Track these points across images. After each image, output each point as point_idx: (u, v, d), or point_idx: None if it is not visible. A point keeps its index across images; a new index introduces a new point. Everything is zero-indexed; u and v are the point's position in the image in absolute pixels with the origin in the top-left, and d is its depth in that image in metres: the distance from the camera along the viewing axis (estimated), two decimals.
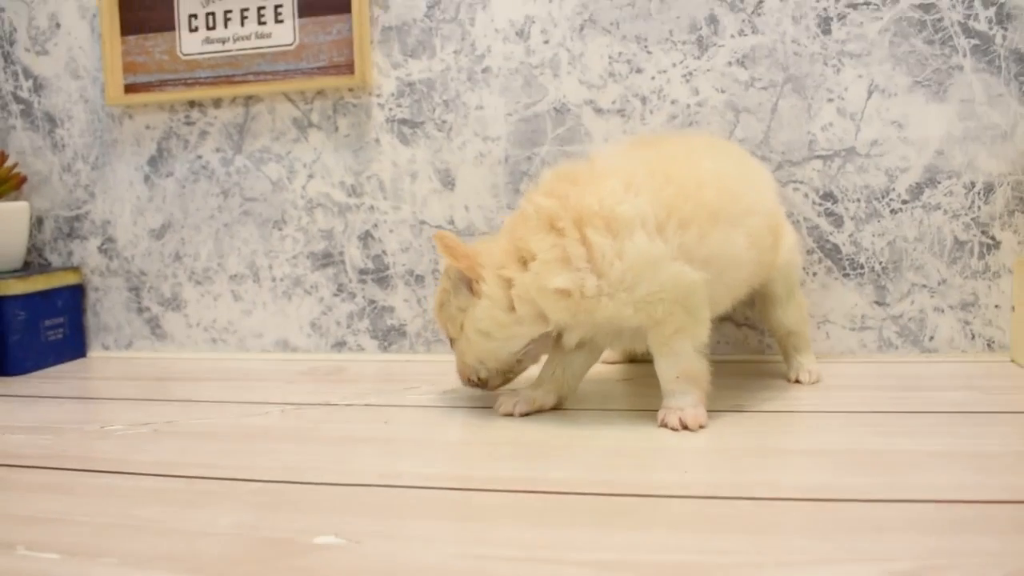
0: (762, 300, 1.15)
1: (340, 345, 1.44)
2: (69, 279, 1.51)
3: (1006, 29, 1.19)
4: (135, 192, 1.50)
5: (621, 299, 0.91)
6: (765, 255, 1.05)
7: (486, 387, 1.06)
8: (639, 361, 1.28)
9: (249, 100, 1.43)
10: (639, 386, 1.16)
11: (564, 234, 0.92)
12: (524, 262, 0.95)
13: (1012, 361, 1.20)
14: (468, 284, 1.00)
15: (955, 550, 0.62)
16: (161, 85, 1.43)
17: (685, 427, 0.93)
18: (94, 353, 1.55)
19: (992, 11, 1.19)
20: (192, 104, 1.45)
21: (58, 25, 1.49)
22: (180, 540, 0.69)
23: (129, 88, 1.45)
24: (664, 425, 0.95)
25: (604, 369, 1.23)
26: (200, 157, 1.46)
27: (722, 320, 0.96)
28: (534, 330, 0.98)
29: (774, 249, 1.08)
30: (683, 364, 0.95)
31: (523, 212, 0.98)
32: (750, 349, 1.31)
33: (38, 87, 1.52)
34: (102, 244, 1.52)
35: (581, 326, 0.97)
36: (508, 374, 1.06)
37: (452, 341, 1.06)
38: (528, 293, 0.94)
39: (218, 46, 1.40)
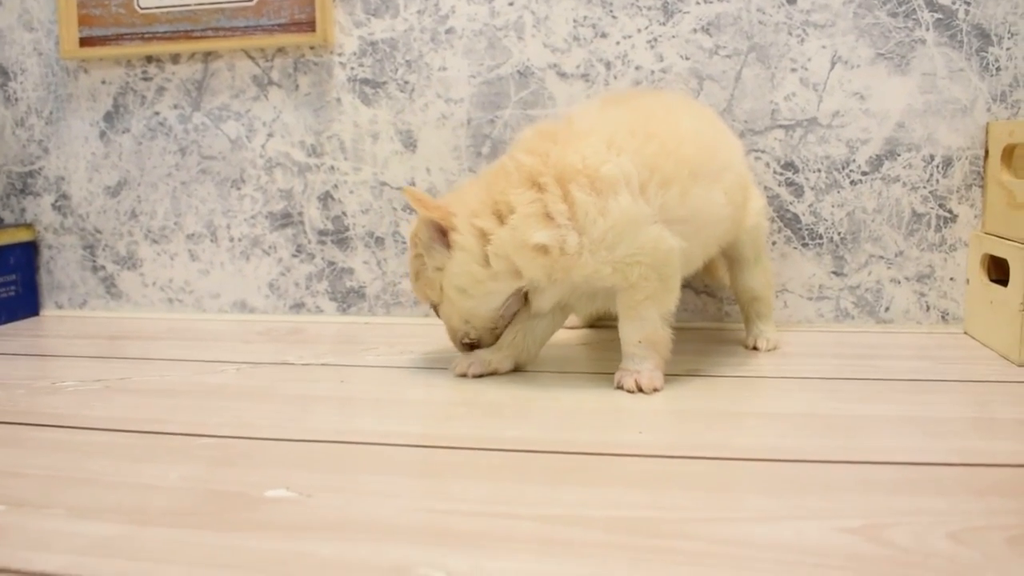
0: (730, 263, 1.16)
1: (298, 306, 1.43)
2: (22, 236, 1.48)
3: (968, 4, 1.19)
4: (90, 148, 1.47)
5: (601, 257, 0.91)
6: (737, 212, 1.06)
7: (480, 346, 1.05)
8: (599, 326, 1.28)
9: (208, 56, 1.40)
10: (598, 350, 1.16)
11: (546, 190, 0.92)
12: (500, 216, 0.94)
13: (965, 333, 1.22)
14: (441, 239, 0.98)
15: (902, 509, 0.63)
16: (117, 39, 1.40)
17: (640, 389, 0.94)
18: (47, 312, 1.53)
19: None
20: (149, 59, 1.43)
21: None
22: (129, 492, 0.69)
23: (84, 41, 1.42)
24: (620, 387, 0.95)
25: (564, 334, 1.23)
26: (158, 114, 1.44)
27: (682, 287, 0.96)
28: (509, 286, 0.97)
29: (744, 207, 1.08)
30: (647, 330, 0.96)
31: (502, 167, 0.97)
32: (709, 316, 1.31)
33: None
34: (56, 201, 1.50)
35: (555, 286, 0.96)
36: (496, 330, 1.04)
37: (436, 309, 1.05)
38: (504, 248, 0.93)
39: (177, 0, 1.38)
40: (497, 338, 1.05)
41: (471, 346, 1.05)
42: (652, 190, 0.92)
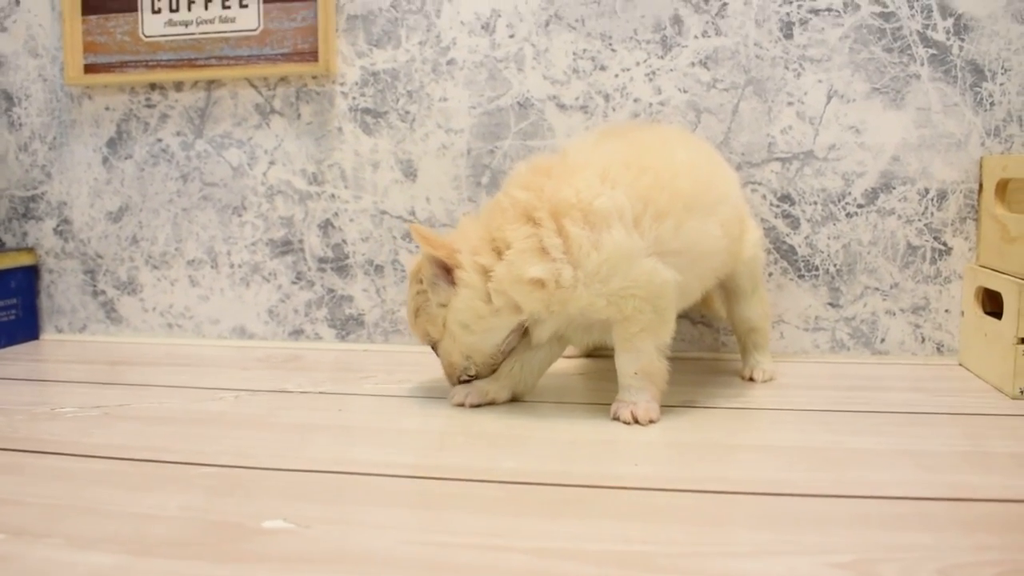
0: (727, 294, 1.16)
1: (297, 333, 1.44)
2: (23, 260, 1.49)
3: (963, 40, 1.21)
4: (93, 174, 1.48)
5: (595, 290, 0.92)
6: (734, 244, 1.07)
7: (472, 381, 1.05)
8: (596, 356, 1.29)
9: (211, 84, 1.42)
10: (595, 380, 1.17)
11: (540, 224, 0.93)
12: (498, 252, 0.95)
13: (960, 365, 1.23)
14: (446, 277, 0.99)
15: (893, 544, 0.63)
16: (122, 66, 1.42)
17: (636, 421, 0.94)
18: (47, 336, 1.53)
19: (950, 22, 1.21)
20: (153, 87, 1.44)
21: (17, 2, 1.47)
22: (128, 522, 0.69)
23: (89, 68, 1.43)
24: (616, 418, 0.96)
25: (561, 363, 1.23)
26: (160, 140, 1.45)
27: (679, 317, 0.97)
28: (511, 321, 0.98)
29: (741, 239, 1.09)
30: (643, 361, 0.96)
31: (498, 204, 0.98)
32: (705, 346, 1.32)
33: None
34: (58, 225, 1.51)
35: (554, 318, 0.97)
36: (494, 365, 1.05)
37: (435, 345, 1.05)
38: (502, 284, 0.94)
39: (181, 28, 1.39)
40: (494, 371, 1.05)
41: (467, 382, 1.05)
42: (646, 223, 0.93)
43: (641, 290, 0.93)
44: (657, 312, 0.95)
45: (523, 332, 1.02)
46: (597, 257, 0.91)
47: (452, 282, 0.98)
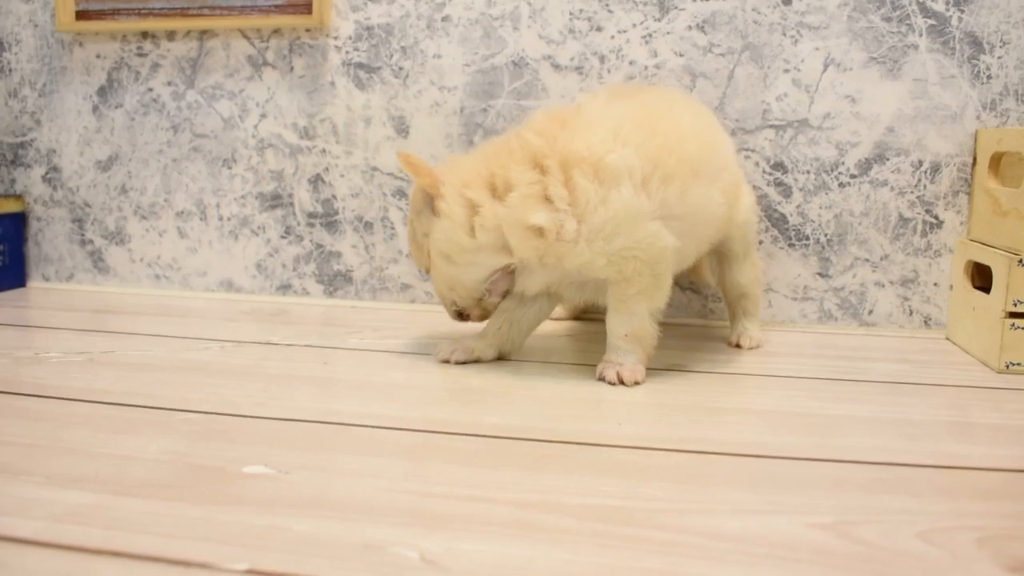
0: (719, 259, 1.16)
1: (285, 288, 1.43)
2: (11, 207, 1.48)
3: (962, 11, 1.20)
4: (82, 122, 1.47)
5: (597, 248, 0.91)
6: (731, 210, 1.07)
7: (469, 319, 1.05)
8: (584, 319, 1.29)
9: (204, 35, 1.40)
10: (582, 341, 1.17)
11: (548, 172, 0.92)
12: (494, 190, 0.94)
13: (947, 339, 1.23)
14: (431, 205, 0.98)
15: (873, 507, 0.63)
16: (114, 14, 1.40)
17: (621, 382, 0.94)
18: (34, 283, 1.53)
19: None
20: (145, 35, 1.42)
21: None
22: (107, 463, 0.69)
23: (81, 15, 1.41)
24: (601, 378, 0.96)
25: (549, 324, 1.23)
26: (151, 90, 1.43)
27: None
28: (495, 259, 0.97)
29: (736, 205, 1.09)
30: (635, 324, 0.96)
31: (506, 143, 0.97)
32: (694, 313, 1.32)
33: None
34: (46, 173, 1.49)
35: (546, 270, 0.96)
36: (483, 304, 1.04)
37: (429, 273, 1.05)
38: (493, 222, 0.93)
39: None
40: (486, 313, 1.05)
41: (462, 316, 1.05)
42: (654, 185, 0.92)
43: (643, 252, 0.92)
44: (655, 276, 0.94)
45: (512, 278, 1.01)
46: (604, 213, 0.90)
47: (434, 211, 0.97)
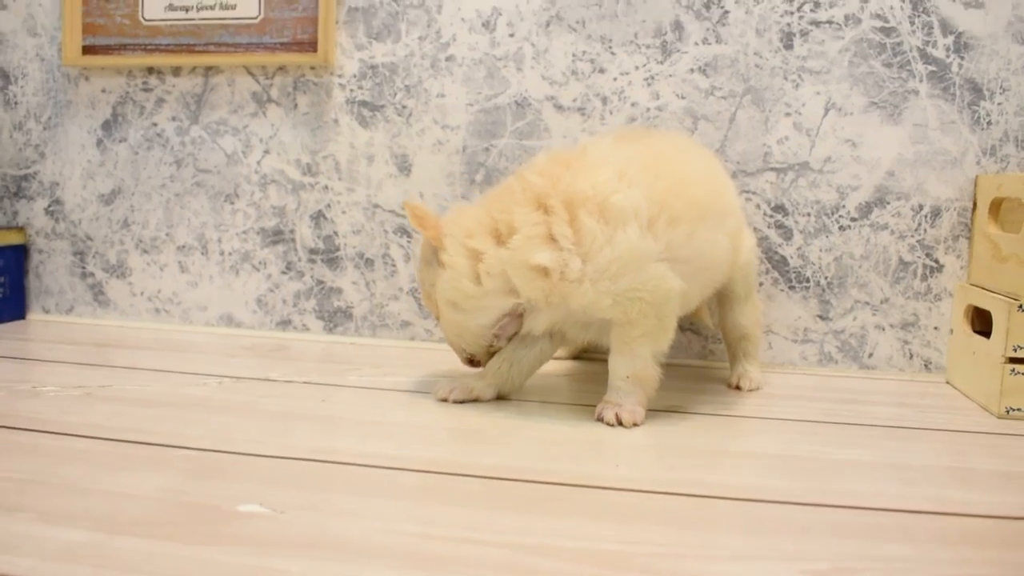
0: (720, 301, 1.16)
1: (285, 323, 1.43)
2: (12, 239, 1.48)
3: (963, 58, 1.21)
4: (86, 155, 1.47)
5: (602, 288, 0.91)
6: (734, 253, 1.07)
7: (480, 364, 1.06)
8: (584, 359, 1.29)
9: (209, 71, 1.41)
10: (581, 382, 1.16)
11: (552, 212, 0.92)
12: (499, 235, 0.94)
13: (947, 383, 1.22)
14: (437, 256, 0.99)
15: (870, 554, 0.63)
16: (120, 49, 1.41)
17: (620, 423, 0.94)
18: (34, 316, 1.53)
19: (951, 39, 1.21)
20: (151, 71, 1.44)
21: None
22: (101, 500, 0.68)
23: (87, 50, 1.43)
24: (600, 419, 0.95)
25: (550, 363, 1.23)
26: (155, 125, 1.44)
27: None
28: (503, 303, 0.97)
29: (739, 247, 1.09)
30: (637, 366, 0.96)
31: (508, 187, 0.98)
32: (693, 354, 1.32)
33: None
34: (49, 206, 1.50)
35: (551, 310, 0.96)
36: (492, 350, 1.04)
37: (439, 321, 1.06)
38: (498, 267, 0.93)
39: (181, 14, 1.39)
40: (493, 355, 1.05)
41: (473, 362, 1.05)
42: (660, 227, 0.92)
43: (649, 294, 0.92)
44: (660, 319, 0.94)
45: (520, 320, 1.00)
46: (609, 253, 0.90)
47: (440, 263, 0.98)
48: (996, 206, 1.17)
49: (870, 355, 1.27)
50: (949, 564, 0.62)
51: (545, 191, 0.93)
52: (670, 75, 1.27)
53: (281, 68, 1.39)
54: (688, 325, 1.31)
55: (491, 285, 0.95)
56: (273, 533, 0.63)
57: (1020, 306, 1.03)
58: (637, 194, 0.92)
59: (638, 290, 0.91)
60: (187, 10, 1.39)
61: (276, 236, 1.41)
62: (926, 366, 1.26)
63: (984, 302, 1.12)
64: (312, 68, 1.37)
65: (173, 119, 1.44)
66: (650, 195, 0.93)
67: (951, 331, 1.23)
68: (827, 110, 1.24)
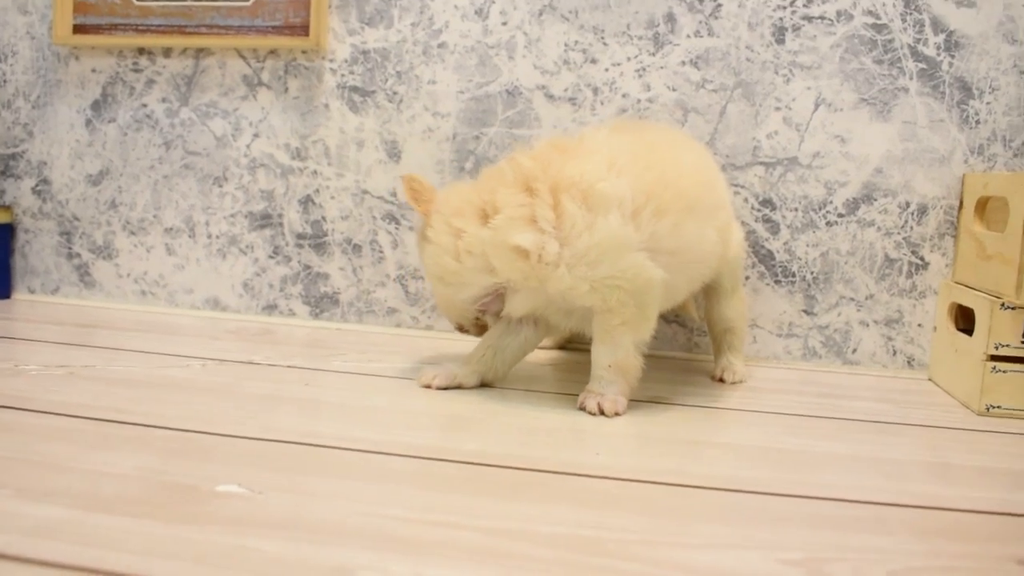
0: (706, 293, 1.16)
1: (271, 308, 1.43)
2: None
3: (953, 56, 1.21)
4: (75, 135, 1.47)
5: (579, 273, 0.91)
6: (724, 248, 1.07)
7: (468, 333, 1.09)
8: (569, 349, 1.29)
9: (200, 52, 1.41)
10: (565, 371, 1.17)
11: (537, 195, 0.92)
12: (484, 215, 0.95)
13: (929, 379, 1.23)
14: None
15: (846, 545, 0.63)
16: (111, 28, 1.41)
17: (602, 412, 0.94)
18: (19, 295, 1.52)
19: (941, 38, 1.21)
20: (141, 51, 1.43)
21: None
22: (80, 478, 0.68)
23: (78, 28, 1.42)
24: (582, 408, 0.96)
25: (534, 352, 1.23)
26: (145, 106, 1.44)
27: None
28: (483, 280, 0.97)
29: (728, 243, 1.10)
30: (619, 355, 0.96)
31: (499, 168, 0.99)
32: (678, 346, 1.32)
33: None
34: (36, 185, 1.49)
35: (531, 293, 0.96)
36: (479, 323, 1.07)
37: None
38: (478, 246, 0.94)
39: None
40: (483, 330, 1.07)
41: (463, 329, 1.09)
42: (645, 217, 0.93)
43: (627, 283, 0.92)
44: (640, 308, 0.94)
45: (503, 298, 1.00)
46: (588, 239, 0.91)
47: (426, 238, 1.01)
48: (982, 205, 1.18)
49: (854, 351, 1.27)
50: (924, 556, 0.62)
51: (534, 174, 0.94)
52: (662, 67, 1.27)
53: (272, 51, 1.38)
54: (674, 317, 1.31)
55: (470, 263, 0.96)
56: (250, 513, 0.63)
57: (1003, 304, 1.03)
58: (623, 183, 0.92)
59: (616, 278, 0.92)
60: None
61: (264, 220, 1.41)
62: (909, 363, 1.26)
63: (968, 300, 1.12)
64: (304, 52, 1.37)
65: (163, 100, 1.43)
66: (637, 185, 0.93)
67: (935, 328, 1.23)
68: (817, 105, 1.24)
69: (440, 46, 1.33)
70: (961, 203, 1.22)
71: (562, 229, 0.91)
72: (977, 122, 1.22)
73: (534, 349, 1.08)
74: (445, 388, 1.02)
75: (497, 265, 0.94)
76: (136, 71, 1.43)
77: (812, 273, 1.27)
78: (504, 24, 1.31)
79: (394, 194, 1.36)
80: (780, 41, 1.24)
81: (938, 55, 1.22)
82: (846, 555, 0.61)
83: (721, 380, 1.15)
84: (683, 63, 1.27)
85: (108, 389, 0.95)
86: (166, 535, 0.59)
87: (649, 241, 0.93)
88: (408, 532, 0.61)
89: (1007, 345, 1.04)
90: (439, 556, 0.58)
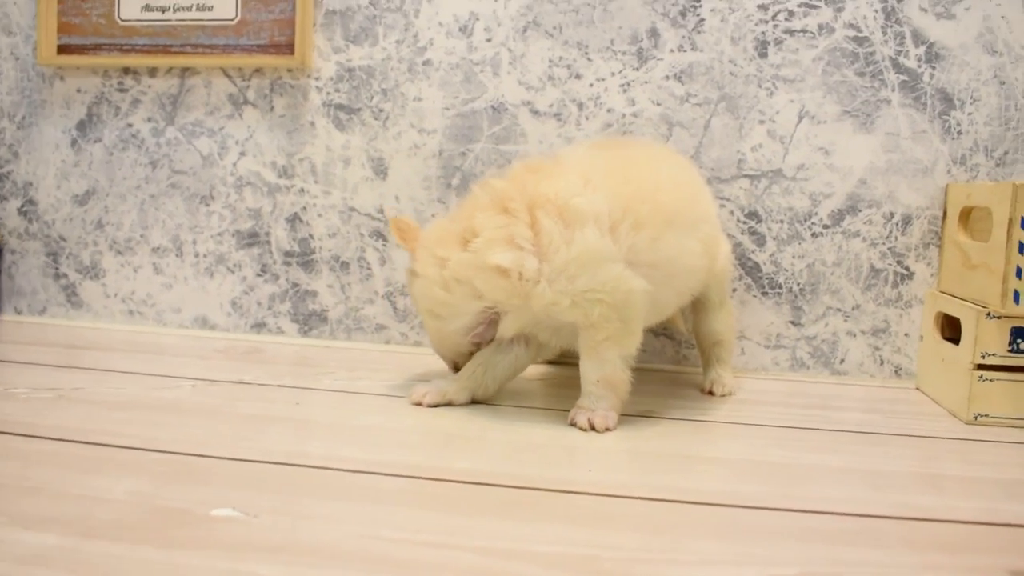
0: (694, 307, 1.17)
1: (260, 326, 1.43)
2: None
3: (934, 68, 1.22)
4: (61, 155, 1.47)
5: (559, 287, 0.92)
6: (710, 261, 1.08)
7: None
8: (559, 363, 1.29)
9: (185, 72, 1.41)
10: (555, 387, 1.17)
11: (514, 215, 0.93)
12: (465, 241, 0.96)
13: (917, 389, 1.24)
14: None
15: (839, 559, 0.64)
16: (96, 49, 1.41)
17: (593, 428, 0.94)
18: (6, 317, 1.51)
19: (922, 50, 1.22)
20: (127, 71, 1.43)
21: None
22: (74, 504, 0.68)
23: (62, 49, 1.42)
24: (573, 424, 0.96)
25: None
26: (131, 125, 1.44)
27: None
28: (472, 306, 0.98)
29: (715, 256, 1.10)
30: (607, 370, 0.96)
31: (473, 195, 1.00)
32: (667, 359, 1.33)
33: None
34: (22, 206, 1.49)
35: (517, 312, 0.97)
36: (469, 352, 1.06)
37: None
38: (462, 271, 0.95)
39: (157, 14, 1.38)
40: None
41: (458, 367, 1.07)
42: (623, 230, 0.93)
43: (608, 296, 0.93)
44: (623, 322, 0.95)
45: (495, 327, 1.01)
46: (566, 254, 0.91)
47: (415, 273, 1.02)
48: (966, 215, 1.19)
49: (841, 361, 1.28)
50: (918, 569, 0.63)
51: (508, 194, 0.95)
52: (646, 81, 1.28)
53: (258, 70, 1.38)
54: (662, 330, 1.32)
55: (458, 290, 0.97)
56: (246, 537, 0.63)
57: (988, 314, 1.04)
58: (599, 198, 0.93)
59: (597, 291, 0.92)
60: (164, 11, 1.38)
61: (251, 238, 1.41)
62: (896, 372, 1.27)
63: (954, 309, 1.13)
64: (289, 70, 1.37)
65: (149, 120, 1.43)
66: (614, 199, 0.94)
67: (921, 338, 1.24)
68: (801, 118, 1.25)
69: (425, 63, 1.33)
70: (945, 213, 1.23)
71: (540, 245, 0.92)
72: (959, 132, 1.23)
73: (525, 368, 1.09)
74: (436, 405, 1.03)
75: (481, 287, 0.95)
76: (121, 91, 1.43)
77: (799, 284, 1.27)
78: (488, 41, 1.31)
79: (381, 211, 1.36)
80: (763, 55, 1.25)
81: (919, 67, 1.23)
82: (840, 569, 0.62)
83: (710, 393, 1.15)
84: (667, 77, 1.28)
85: (99, 412, 0.95)
86: (162, 561, 0.59)
87: (628, 254, 0.94)
88: (403, 554, 0.61)
89: (994, 354, 1.05)
90: None
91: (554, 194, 0.93)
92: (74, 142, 1.46)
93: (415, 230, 1.04)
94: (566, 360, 1.29)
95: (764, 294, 1.28)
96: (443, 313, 1.00)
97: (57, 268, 1.49)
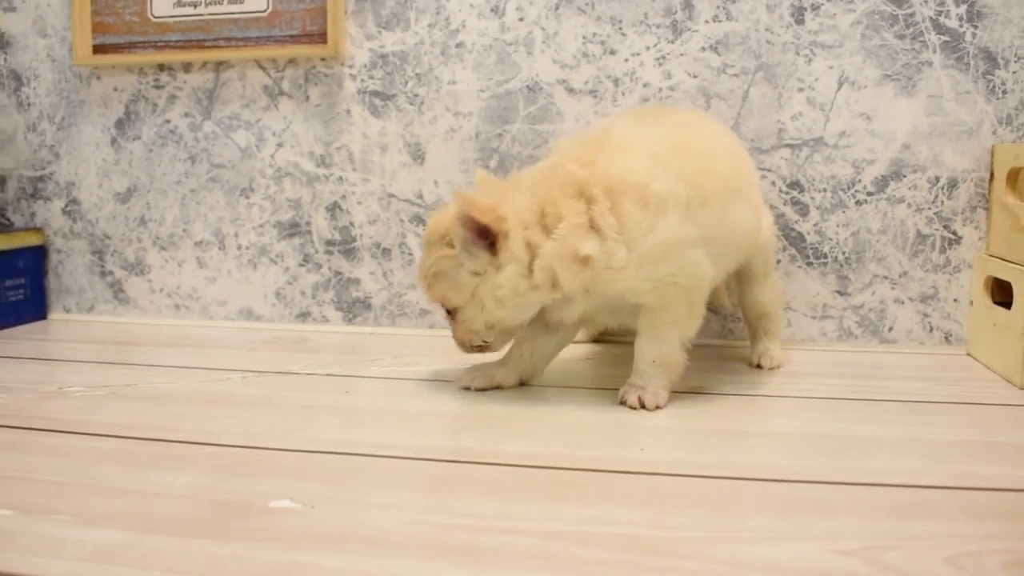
0: (739, 279, 1.16)
1: (304, 315, 1.44)
2: (31, 240, 1.49)
3: (976, 27, 1.20)
4: (101, 154, 1.48)
5: (645, 272, 0.91)
6: (757, 230, 1.07)
7: (489, 350, 1.02)
8: (604, 341, 1.29)
9: (220, 66, 1.41)
10: (602, 366, 1.17)
11: (594, 201, 0.90)
12: (546, 227, 0.91)
13: (968, 355, 1.22)
14: (484, 243, 0.92)
15: (899, 532, 0.63)
16: (130, 47, 1.42)
17: (643, 406, 0.94)
18: (55, 315, 1.54)
19: (963, 8, 1.20)
20: (162, 67, 1.44)
21: None
22: (134, 500, 0.69)
23: (98, 49, 1.43)
24: (623, 402, 0.96)
25: (569, 347, 1.23)
26: (168, 121, 1.45)
27: None
28: (547, 298, 0.94)
29: (759, 225, 1.09)
30: (664, 351, 0.96)
31: (554, 176, 0.93)
32: (713, 333, 1.32)
33: (4, 44, 1.49)
34: (66, 206, 1.51)
35: (587, 298, 0.94)
36: (511, 337, 1.03)
37: (452, 311, 0.99)
38: (548, 260, 0.90)
39: (190, 10, 1.39)
40: (508, 341, 1.04)
41: (482, 349, 1.02)
42: (695, 208, 0.92)
43: (684, 279, 0.92)
44: (691, 305, 0.95)
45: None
46: (653, 239, 0.89)
47: (491, 250, 0.92)
48: (1013, 176, 1.16)
49: (890, 329, 1.26)
50: (977, 539, 0.62)
51: (586, 179, 0.91)
52: (681, 54, 1.27)
53: (291, 61, 1.39)
54: (708, 305, 1.31)
55: (541, 279, 0.91)
56: (305, 528, 0.64)
57: None
58: (674, 179, 0.91)
59: (675, 275, 0.92)
60: (195, 6, 1.39)
61: (292, 229, 1.42)
62: (947, 339, 1.26)
63: (1004, 273, 1.11)
64: (322, 59, 1.37)
65: (186, 115, 1.44)
66: (683, 176, 0.92)
67: (971, 303, 1.23)
68: (840, 84, 1.23)
69: (458, 46, 1.33)
70: (992, 175, 1.21)
71: (626, 232, 0.89)
72: (1004, 92, 1.20)
73: (569, 344, 1.08)
74: (484, 389, 1.03)
75: (561, 277, 0.91)
76: (158, 87, 1.44)
77: (844, 253, 1.26)
78: (521, 20, 1.30)
79: (420, 196, 1.36)
80: (800, 21, 1.24)
81: (960, 26, 1.21)
82: (901, 543, 0.61)
83: (759, 366, 1.15)
84: (703, 49, 1.26)
85: (151, 407, 0.96)
86: (225, 554, 0.60)
87: (701, 230, 0.93)
88: (462, 540, 0.62)
89: None
90: (496, 564, 0.58)
91: (633, 178, 0.90)
92: (113, 140, 1.47)
93: (484, 200, 0.92)
94: (610, 338, 1.28)
95: (809, 264, 1.27)
96: (511, 304, 0.93)
97: (103, 266, 1.51)
